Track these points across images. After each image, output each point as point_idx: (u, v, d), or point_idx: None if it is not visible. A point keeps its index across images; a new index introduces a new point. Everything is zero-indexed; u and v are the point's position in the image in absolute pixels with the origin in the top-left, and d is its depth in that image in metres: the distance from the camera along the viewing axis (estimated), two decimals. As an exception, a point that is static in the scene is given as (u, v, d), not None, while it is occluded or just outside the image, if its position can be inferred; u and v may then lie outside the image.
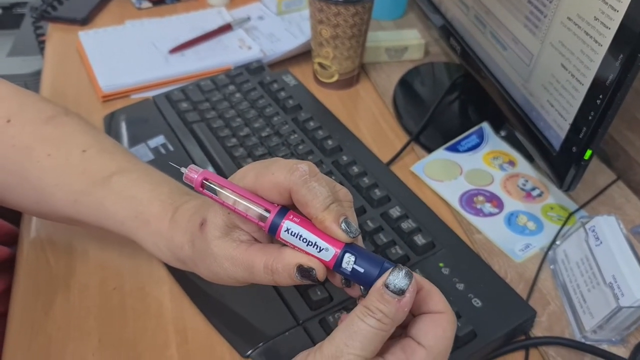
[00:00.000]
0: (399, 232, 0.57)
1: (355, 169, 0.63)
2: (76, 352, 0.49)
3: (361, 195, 0.61)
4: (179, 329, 0.51)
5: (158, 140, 0.69)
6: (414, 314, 0.36)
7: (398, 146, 0.71)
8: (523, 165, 0.68)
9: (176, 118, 0.72)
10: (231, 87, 0.76)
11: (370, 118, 0.76)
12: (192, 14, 0.95)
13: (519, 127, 0.61)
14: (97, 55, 0.84)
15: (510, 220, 0.61)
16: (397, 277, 0.34)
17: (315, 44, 0.77)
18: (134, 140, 0.69)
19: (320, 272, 0.36)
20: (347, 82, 0.80)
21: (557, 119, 0.54)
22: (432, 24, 0.82)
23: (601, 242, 0.51)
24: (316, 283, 0.37)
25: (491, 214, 0.62)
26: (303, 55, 0.86)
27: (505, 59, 0.62)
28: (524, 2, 0.57)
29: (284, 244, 0.37)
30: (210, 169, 0.65)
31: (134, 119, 0.73)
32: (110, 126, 0.72)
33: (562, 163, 0.53)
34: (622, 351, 0.50)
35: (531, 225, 0.61)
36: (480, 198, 0.64)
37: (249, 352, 0.49)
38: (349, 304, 0.51)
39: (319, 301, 0.50)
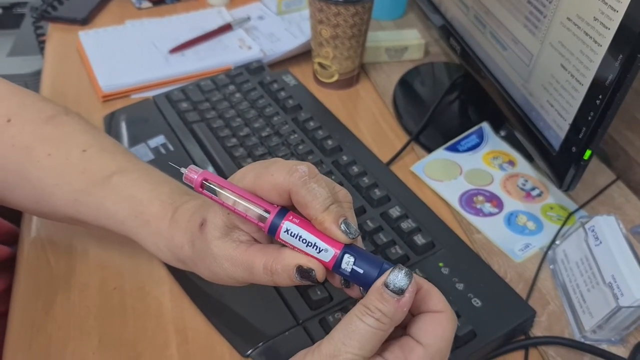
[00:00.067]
0: (399, 232, 0.57)
1: (355, 169, 0.63)
2: (76, 351, 0.49)
3: (361, 195, 0.61)
4: (179, 328, 0.51)
5: (158, 140, 0.69)
6: (413, 314, 0.36)
7: (398, 146, 0.71)
8: (523, 165, 0.68)
9: (176, 118, 0.72)
10: (231, 87, 0.76)
11: (370, 118, 0.76)
12: (192, 13, 0.95)
13: (518, 127, 0.61)
14: (97, 55, 0.84)
15: (510, 220, 0.61)
16: (397, 277, 0.34)
17: (315, 44, 0.77)
18: (134, 140, 0.70)
19: (319, 273, 0.36)
20: (347, 82, 0.80)
21: (557, 119, 0.54)
22: (432, 24, 0.82)
23: (601, 242, 0.51)
24: (315, 284, 0.37)
25: (491, 214, 0.62)
26: (303, 55, 0.86)
27: (505, 59, 0.62)
28: (523, 2, 0.57)
29: (284, 245, 0.37)
30: (210, 169, 0.65)
31: (134, 119, 0.73)
32: (111, 126, 0.72)
33: (561, 163, 0.53)
34: (622, 351, 0.50)
35: (531, 225, 0.61)
36: (480, 198, 0.64)
37: (249, 351, 0.49)
38: (348, 304, 0.51)
39: (319, 301, 0.50)
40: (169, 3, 0.99)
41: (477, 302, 0.51)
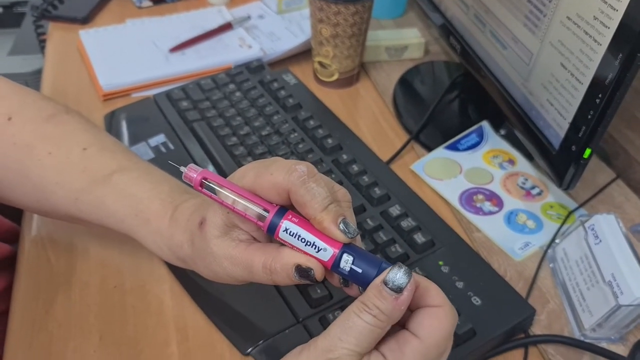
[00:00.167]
0: (399, 230, 0.57)
1: (355, 168, 0.63)
2: (77, 349, 0.50)
3: (361, 194, 0.61)
4: (179, 326, 0.51)
5: (158, 138, 0.69)
6: (411, 310, 0.36)
7: (398, 145, 0.71)
8: (523, 164, 0.68)
9: (176, 117, 0.72)
10: (231, 86, 0.76)
11: (370, 117, 0.76)
12: (192, 12, 0.95)
13: (518, 125, 0.61)
14: (97, 54, 0.84)
15: (510, 218, 0.61)
16: (396, 275, 0.34)
17: (316, 42, 0.77)
18: (134, 139, 0.70)
19: (318, 272, 0.36)
20: (347, 81, 0.80)
21: (557, 117, 0.54)
22: (432, 22, 0.82)
23: (600, 241, 0.52)
24: (314, 283, 0.37)
25: (491, 213, 0.62)
26: (303, 54, 0.86)
27: (505, 58, 0.62)
28: (523, 1, 0.57)
29: (283, 244, 0.37)
30: (211, 167, 0.65)
31: (135, 118, 0.73)
32: (111, 125, 0.72)
33: (561, 162, 0.53)
34: (621, 349, 0.50)
35: (531, 223, 0.61)
36: (480, 196, 0.64)
37: (249, 349, 0.49)
38: (348, 302, 0.51)
39: (319, 299, 0.51)
40: (169, 2, 0.99)
41: (476, 301, 0.51)
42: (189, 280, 0.54)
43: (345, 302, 0.51)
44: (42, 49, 0.97)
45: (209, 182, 0.37)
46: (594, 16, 0.47)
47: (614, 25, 0.45)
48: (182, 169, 0.37)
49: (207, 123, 0.70)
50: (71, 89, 0.80)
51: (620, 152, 0.69)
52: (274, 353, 0.48)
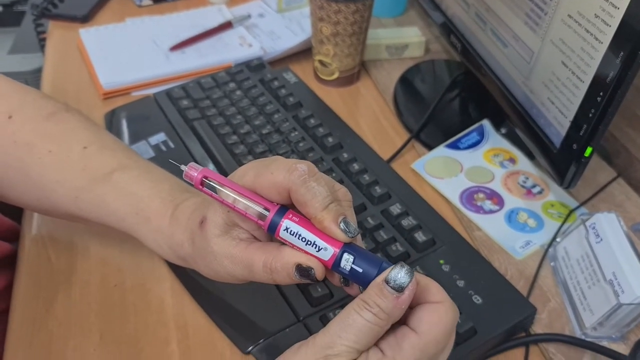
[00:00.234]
0: (400, 229, 0.57)
1: (356, 166, 0.63)
2: (77, 348, 0.50)
3: (362, 193, 0.61)
4: (179, 325, 0.51)
5: (159, 137, 0.69)
6: (411, 308, 0.36)
7: (398, 143, 0.71)
8: (523, 163, 0.68)
9: (177, 115, 0.72)
10: (232, 85, 0.76)
11: (370, 115, 0.76)
12: (192, 11, 0.95)
13: (519, 124, 0.61)
14: (97, 53, 0.84)
15: (511, 217, 0.61)
16: (398, 274, 0.34)
17: (316, 41, 0.77)
18: (134, 138, 0.70)
19: (318, 272, 0.36)
20: (348, 79, 0.80)
21: (558, 116, 0.54)
22: (433, 21, 0.82)
23: (601, 239, 0.51)
24: (315, 282, 0.37)
25: (491, 211, 0.62)
26: (303, 52, 0.86)
27: (506, 57, 0.62)
28: (524, -1, 0.57)
29: (283, 243, 0.37)
30: (211, 166, 0.65)
31: (135, 116, 0.73)
32: (111, 123, 0.72)
33: (562, 160, 0.53)
34: (622, 348, 0.50)
35: (531, 222, 0.61)
36: (481, 195, 0.64)
37: (250, 348, 0.49)
38: (349, 301, 0.50)
39: (320, 298, 0.51)
40: (169, 1, 0.99)
41: (477, 299, 0.51)
42: (189, 278, 0.54)
43: (345, 301, 0.51)
44: (42, 47, 0.97)
45: (210, 181, 0.37)
46: (595, 14, 0.47)
47: (615, 23, 0.45)
48: (183, 167, 0.37)
49: (208, 122, 0.70)
50: (71, 88, 0.80)
51: (621, 150, 0.69)
52: (275, 352, 0.47)
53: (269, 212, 0.36)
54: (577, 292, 0.53)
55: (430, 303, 0.35)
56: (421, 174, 0.67)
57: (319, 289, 0.51)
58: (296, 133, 0.68)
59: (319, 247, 0.36)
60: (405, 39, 0.86)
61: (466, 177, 0.66)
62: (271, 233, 0.37)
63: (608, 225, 0.52)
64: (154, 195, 0.47)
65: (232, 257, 0.39)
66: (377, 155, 0.67)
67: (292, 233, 0.36)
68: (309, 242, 0.36)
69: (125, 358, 0.49)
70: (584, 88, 0.49)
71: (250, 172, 0.37)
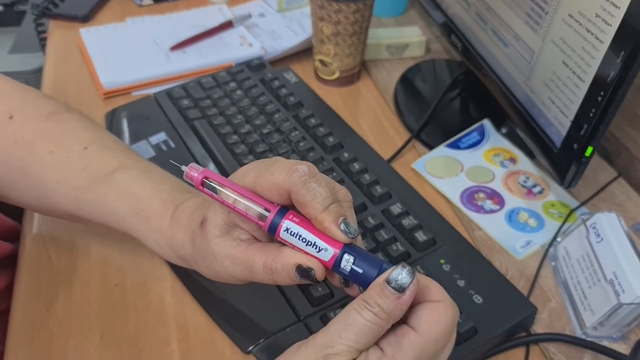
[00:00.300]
0: (400, 228, 0.57)
1: (357, 166, 0.63)
2: (78, 348, 0.50)
3: (362, 192, 0.61)
4: (180, 324, 0.51)
5: (159, 137, 0.69)
6: (411, 307, 0.36)
7: (399, 143, 0.71)
8: (524, 162, 0.68)
9: (177, 115, 0.72)
10: (232, 84, 0.76)
11: (371, 115, 0.76)
12: (193, 11, 0.95)
13: (520, 124, 0.61)
14: (98, 52, 0.84)
15: (511, 217, 0.61)
16: (400, 274, 0.34)
17: (317, 41, 0.77)
18: (135, 137, 0.70)
19: (319, 272, 0.36)
20: (348, 79, 0.80)
21: (558, 115, 0.54)
22: (433, 21, 0.81)
23: (602, 239, 0.51)
24: (315, 283, 0.37)
25: (492, 211, 0.62)
26: (304, 52, 0.86)
27: (507, 56, 0.62)
28: (525, -2, 0.57)
29: (284, 244, 0.37)
30: (212, 165, 0.65)
31: (135, 116, 0.73)
32: (112, 123, 0.72)
33: (563, 160, 0.53)
34: (623, 348, 0.50)
35: (532, 222, 0.61)
36: (481, 195, 0.64)
37: (250, 348, 0.49)
38: (349, 301, 0.50)
39: (320, 297, 0.51)
40: (170, 0, 0.99)
41: (478, 299, 0.51)
42: (189, 278, 0.54)
43: (346, 301, 0.51)
44: (43, 47, 0.97)
45: (210, 182, 0.37)
46: (596, 14, 0.47)
47: (616, 23, 0.45)
48: (184, 168, 0.37)
49: (208, 121, 0.70)
50: (72, 87, 0.80)
51: (622, 150, 0.69)
52: (275, 351, 0.47)
53: (269, 212, 0.36)
54: (577, 292, 0.52)
55: (430, 302, 0.35)
56: (422, 173, 0.67)
57: (320, 289, 0.51)
58: (297, 133, 0.68)
59: (319, 247, 0.36)
60: (405, 39, 0.85)
61: (467, 176, 0.66)
62: (271, 234, 0.37)
63: (608, 225, 0.52)
64: (155, 195, 0.47)
65: (233, 258, 0.39)
66: (377, 155, 0.67)
67: (292, 234, 0.36)
68: (309, 243, 0.36)
69: (125, 358, 0.49)
70: (584, 88, 0.49)
71: (250, 172, 0.37)
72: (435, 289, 0.35)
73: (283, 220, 0.36)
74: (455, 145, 0.70)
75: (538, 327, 0.52)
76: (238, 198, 0.36)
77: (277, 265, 0.37)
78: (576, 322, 0.52)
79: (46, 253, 0.57)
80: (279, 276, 0.37)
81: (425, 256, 0.55)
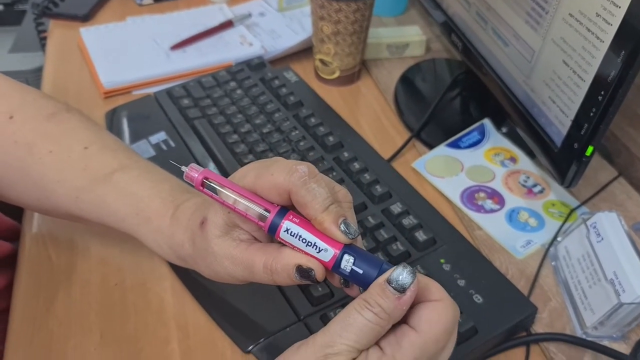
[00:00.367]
0: (400, 228, 0.57)
1: (357, 165, 0.63)
2: (78, 347, 0.50)
3: (362, 192, 0.61)
4: (180, 324, 0.51)
5: (159, 136, 0.69)
6: (411, 307, 0.36)
7: (399, 142, 0.71)
8: (524, 162, 0.68)
9: (177, 114, 0.72)
10: (232, 84, 0.76)
11: (371, 114, 0.76)
12: (193, 10, 0.95)
13: (520, 123, 0.61)
14: (98, 52, 0.84)
15: (512, 216, 0.61)
16: (401, 274, 0.34)
17: (317, 40, 0.77)
18: (135, 136, 0.70)
19: (319, 273, 0.36)
20: (349, 78, 0.80)
21: (559, 115, 0.54)
22: (434, 20, 0.81)
23: (602, 239, 0.51)
24: (315, 283, 0.37)
25: (492, 211, 0.62)
26: (304, 51, 0.86)
27: (507, 55, 0.62)
28: (525, -2, 0.56)
29: (284, 244, 0.37)
30: (212, 165, 0.65)
31: (136, 115, 0.73)
32: (112, 122, 0.72)
33: (563, 159, 0.53)
34: (623, 347, 0.50)
35: (532, 221, 0.61)
36: (482, 194, 0.64)
37: (250, 347, 0.49)
38: (349, 300, 0.50)
39: (320, 297, 0.51)
40: (170, -1, 0.99)
41: (478, 299, 0.51)
42: (189, 278, 0.54)
43: (346, 300, 0.51)
44: (43, 46, 0.97)
45: (210, 182, 0.37)
46: (597, 13, 0.47)
47: (616, 22, 0.45)
48: (184, 168, 0.37)
49: (208, 120, 0.70)
50: (72, 87, 0.80)
51: (622, 150, 0.69)
52: (275, 351, 0.47)
53: (269, 213, 0.36)
54: (578, 292, 0.52)
55: (430, 301, 0.35)
56: (422, 173, 0.67)
57: (320, 289, 0.51)
58: (297, 132, 0.68)
59: (319, 248, 0.36)
60: (406, 38, 0.85)
61: (467, 176, 0.66)
62: (271, 234, 0.37)
63: (609, 224, 0.52)
64: (154, 195, 0.47)
65: (233, 258, 0.39)
66: (377, 155, 0.67)
67: (292, 234, 0.36)
68: (309, 243, 0.36)
69: (125, 357, 0.49)
70: (585, 87, 0.49)
71: (250, 173, 0.37)
72: (435, 289, 0.35)
73: (283, 220, 0.36)
74: (455, 145, 0.70)
75: (538, 327, 0.52)
76: (238, 198, 0.36)
77: (277, 265, 0.37)
78: (576, 321, 0.52)
79: (46, 253, 0.57)
80: (279, 277, 0.37)
81: (426, 256, 0.55)
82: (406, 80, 0.81)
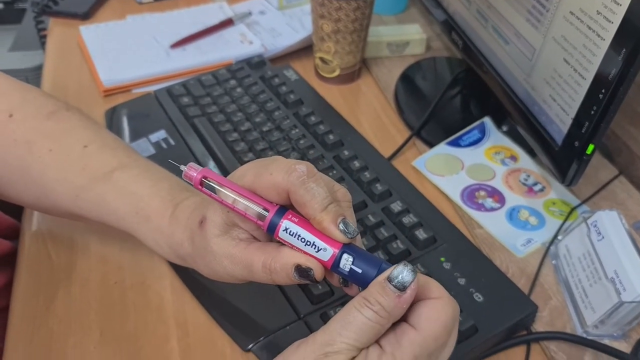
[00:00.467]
0: (400, 226, 0.57)
1: (357, 164, 0.63)
2: (77, 345, 0.50)
3: (362, 190, 0.61)
4: (179, 322, 0.51)
5: (159, 134, 0.69)
6: (411, 305, 0.36)
7: (399, 141, 0.71)
8: (525, 160, 0.67)
9: (177, 113, 0.72)
10: (232, 82, 0.76)
11: (371, 113, 0.76)
12: (193, 8, 0.95)
13: (520, 121, 0.61)
14: (98, 50, 0.84)
15: (512, 215, 0.61)
16: (401, 272, 0.33)
17: (317, 38, 0.77)
18: (135, 135, 0.69)
19: (318, 272, 0.36)
20: (349, 76, 0.80)
21: (560, 113, 0.53)
22: (434, 18, 0.81)
23: (603, 237, 0.51)
24: (314, 283, 0.37)
25: (493, 209, 0.62)
26: (304, 50, 0.86)
27: (508, 54, 0.62)
28: (526, -4, 0.56)
29: (283, 244, 0.37)
30: (211, 163, 0.65)
31: (136, 114, 0.73)
32: (112, 121, 0.72)
33: (564, 158, 0.53)
34: (624, 346, 0.50)
35: (533, 220, 0.61)
36: (482, 193, 0.64)
37: (250, 346, 0.49)
38: (349, 299, 0.50)
39: (320, 295, 0.50)
40: (170, -3, 0.99)
41: (478, 297, 0.51)
42: (189, 276, 0.54)
43: (346, 299, 0.50)
44: (43, 44, 0.97)
45: (209, 181, 0.37)
46: (598, 11, 0.46)
47: (617, 20, 0.44)
48: (182, 167, 0.37)
49: (208, 119, 0.70)
50: (72, 85, 0.80)
51: (623, 148, 0.68)
52: (275, 349, 0.47)
53: (268, 212, 0.36)
54: (578, 290, 0.52)
55: (429, 299, 0.35)
56: (422, 171, 0.67)
57: (320, 287, 0.51)
58: (297, 130, 0.68)
59: (318, 247, 0.36)
60: (406, 37, 0.85)
61: (467, 174, 0.66)
62: (270, 233, 0.37)
63: (610, 223, 0.52)
64: (154, 194, 0.47)
65: (232, 257, 0.39)
66: (378, 153, 0.67)
67: (291, 233, 0.36)
68: (308, 243, 0.36)
69: (125, 355, 0.49)
70: (585, 85, 0.49)
71: (249, 172, 0.37)
72: (434, 287, 0.35)
73: (282, 220, 0.36)
74: (455, 143, 0.70)
75: (539, 326, 0.52)
76: (237, 198, 0.36)
77: (276, 265, 0.37)
78: (577, 320, 0.52)
79: (46, 251, 0.57)
80: (278, 276, 0.37)
81: (426, 254, 0.55)
82: (406, 79, 0.81)
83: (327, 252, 0.36)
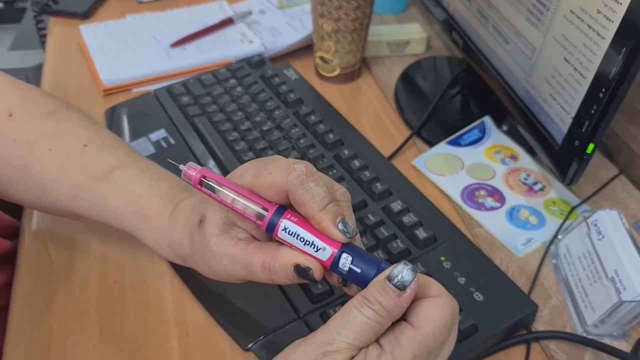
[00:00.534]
0: (400, 226, 0.57)
1: (357, 163, 0.63)
2: (77, 345, 0.50)
3: (362, 189, 0.61)
4: (179, 322, 0.51)
5: (159, 134, 0.69)
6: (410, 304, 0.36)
7: (399, 140, 0.71)
8: (525, 160, 0.67)
9: (177, 112, 0.72)
10: (232, 81, 0.76)
11: (371, 112, 0.76)
12: (193, 7, 0.95)
13: (521, 121, 0.61)
14: (98, 49, 0.84)
15: (512, 214, 0.61)
16: (401, 271, 0.33)
17: (317, 37, 0.77)
18: (135, 134, 0.69)
19: (317, 272, 0.36)
20: (349, 76, 0.80)
21: (560, 112, 0.53)
22: (434, 17, 0.81)
23: (603, 237, 0.51)
24: (313, 282, 0.37)
25: (493, 208, 0.62)
26: (304, 49, 0.86)
27: (508, 53, 0.62)
28: (526, -5, 0.56)
29: (282, 243, 0.37)
30: (211, 162, 0.65)
31: (136, 113, 0.73)
32: (112, 120, 0.72)
33: (564, 157, 0.53)
34: (624, 345, 0.50)
35: (533, 219, 0.61)
36: (482, 192, 0.64)
37: (250, 345, 0.49)
38: (349, 298, 0.50)
39: (320, 294, 0.50)
40: (170, -3, 0.99)
41: (478, 297, 0.51)
42: (189, 275, 0.54)
43: (346, 298, 0.50)
44: (43, 44, 0.97)
45: (208, 181, 0.37)
46: (598, 10, 0.46)
47: (617, 19, 0.44)
48: (182, 167, 0.37)
49: (208, 118, 0.70)
50: (72, 84, 0.80)
51: (623, 147, 0.68)
52: (275, 348, 0.47)
53: (267, 212, 0.36)
54: (578, 290, 0.52)
55: (428, 298, 0.35)
56: (422, 170, 0.66)
57: (320, 286, 0.51)
58: (297, 130, 0.67)
59: (317, 247, 0.36)
60: (406, 36, 0.85)
61: (467, 174, 0.66)
62: (269, 233, 0.37)
63: (610, 222, 0.52)
64: (153, 194, 0.47)
65: (231, 257, 0.39)
66: (378, 152, 0.67)
67: (290, 233, 0.36)
68: (307, 242, 0.36)
69: (124, 355, 0.49)
70: (586, 84, 0.49)
71: (248, 172, 0.37)
72: (433, 285, 0.35)
73: (281, 219, 0.36)
74: (456, 143, 0.70)
75: (539, 325, 0.52)
76: (236, 197, 0.36)
77: (275, 264, 0.37)
78: (577, 319, 0.52)
79: (45, 250, 0.57)
80: (277, 276, 0.37)
81: (426, 253, 0.55)
82: (406, 78, 0.81)
83: (326, 252, 0.36)
